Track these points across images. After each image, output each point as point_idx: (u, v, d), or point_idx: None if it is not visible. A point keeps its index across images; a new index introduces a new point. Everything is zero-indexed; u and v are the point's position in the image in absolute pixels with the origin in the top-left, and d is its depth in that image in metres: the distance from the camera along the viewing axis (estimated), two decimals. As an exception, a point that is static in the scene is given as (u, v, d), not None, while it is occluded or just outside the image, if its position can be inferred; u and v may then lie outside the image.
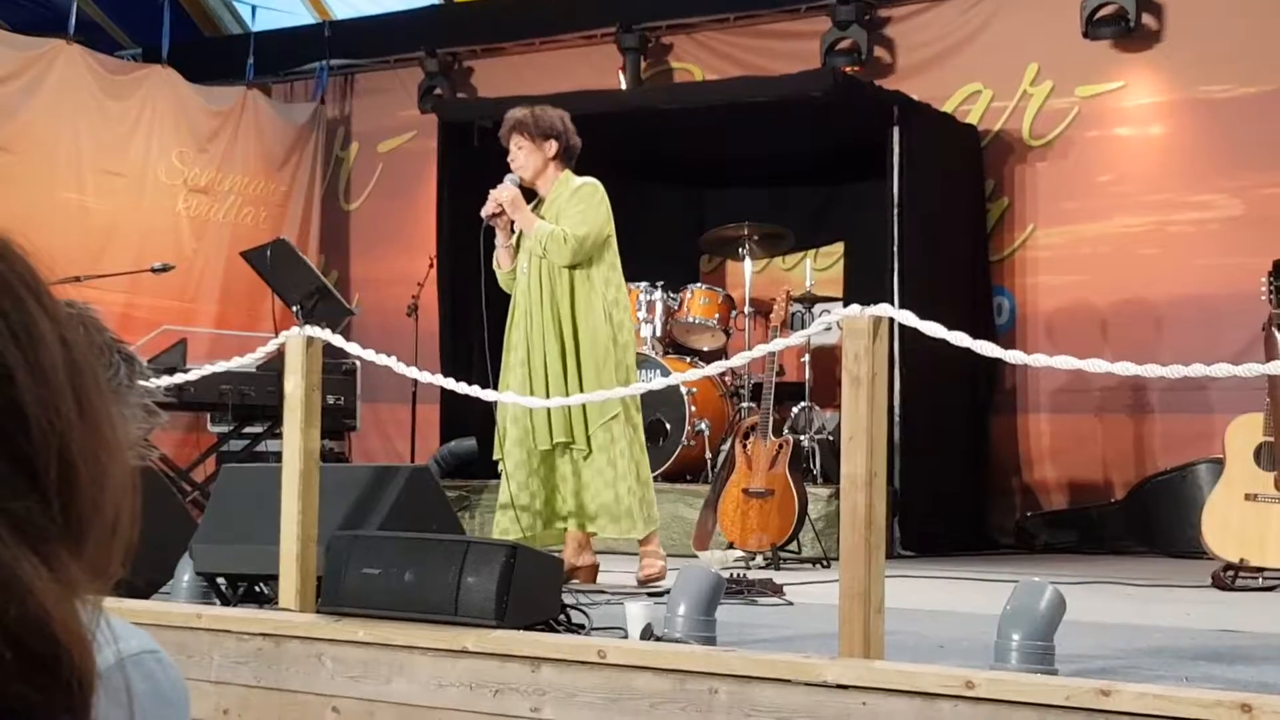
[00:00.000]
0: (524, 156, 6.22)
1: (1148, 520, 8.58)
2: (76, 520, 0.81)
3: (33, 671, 0.76)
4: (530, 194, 6.27)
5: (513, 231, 6.27)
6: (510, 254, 6.29)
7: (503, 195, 6.16)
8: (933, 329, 4.05)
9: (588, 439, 6.05)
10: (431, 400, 9.61)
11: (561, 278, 6.14)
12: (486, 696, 4.23)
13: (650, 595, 5.43)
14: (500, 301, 6.42)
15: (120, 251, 10.27)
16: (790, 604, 5.56)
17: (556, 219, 6.12)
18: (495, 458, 6.27)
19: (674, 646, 4.05)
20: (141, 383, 2.04)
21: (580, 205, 6.12)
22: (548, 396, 5.96)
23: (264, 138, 11.52)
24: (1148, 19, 9.01)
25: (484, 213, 6.23)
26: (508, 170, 6.27)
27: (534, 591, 4.38)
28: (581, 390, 5.98)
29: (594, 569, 6.24)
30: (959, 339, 4.05)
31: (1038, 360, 4.10)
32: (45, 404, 0.80)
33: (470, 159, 9.79)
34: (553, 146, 6.21)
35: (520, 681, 4.18)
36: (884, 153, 8.56)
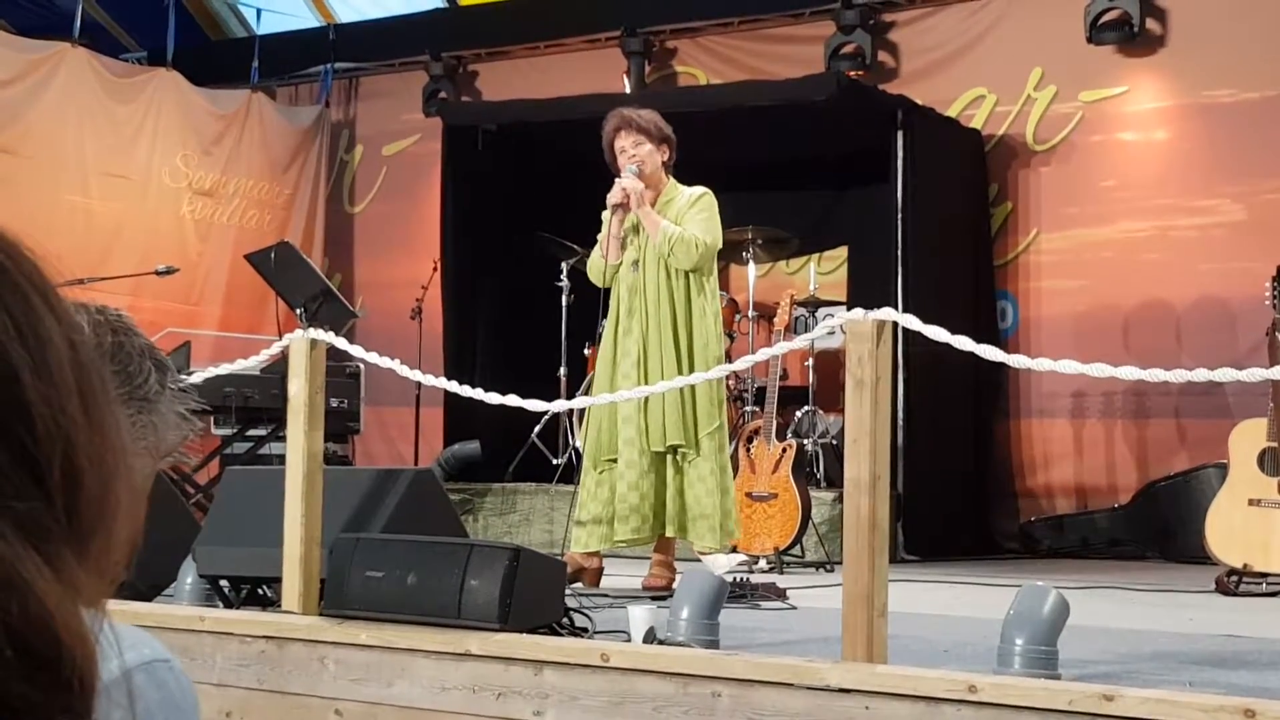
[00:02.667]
0: (645, 155, 6.13)
1: (1151, 525, 8.57)
2: (80, 521, 0.81)
3: (34, 671, 0.76)
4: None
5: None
6: (620, 246, 6.15)
7: (632, 186, 6.05)
8: (936, 333, 4.05)
9: (697, 443, 6.01)
10: (435, 403, 9.62)
11: (679, 283, 6.05)
12: (489, 700, 4.23)
13: (653, 599, 5.43)
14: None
15: (125, 254, 10.27)
16: (793, 608, 5.55)
17: (676, 223, 6.06)
18: (590, 462, 6.17)
19: (677, 650, 4.05)
20: (175, 389, 2.03)
21: (704, 213, 6.08)
22: (663, 399, 5.88)
23: (268, 141, 11.53)
24: (1151, 24, 9.01)
25: (611, 199, 6.10)
26: (616, 175, 6.16)
27: (537, 595, 4.38)
28: (695, 397, 5.93)
29: (598, 572, 6.23)
30: (962, 343, 4.05)
31: (1041, 364, 4.10)
32: (51, 404, 0.80)
33: (474, 162, 9.80)
34: (667, 151, 6.19)
35: (523, 685, 4.18)
36: (888, 157, 8.57)
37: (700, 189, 6.19)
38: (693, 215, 6.08)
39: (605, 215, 6.18)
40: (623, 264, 6.15)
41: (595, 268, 6.26)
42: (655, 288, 6.06)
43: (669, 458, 6.05)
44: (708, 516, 6.00)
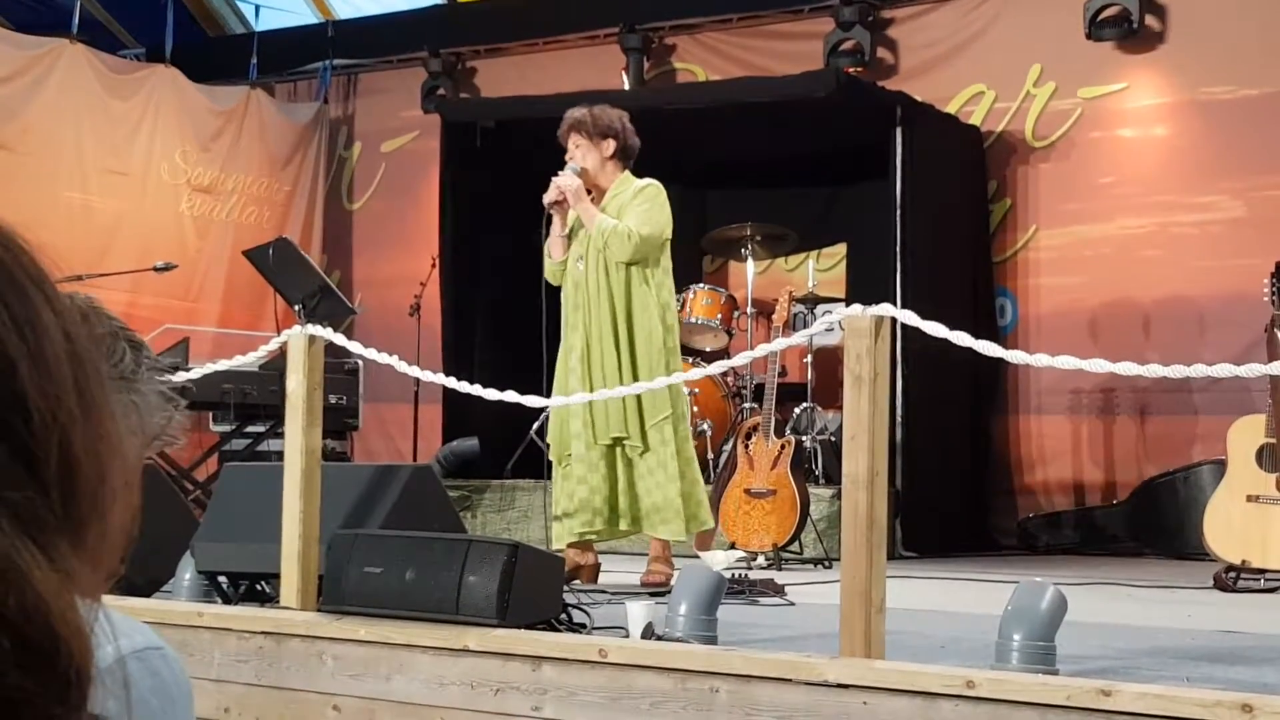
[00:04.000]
0: (581, 154, 6.19)
1: (1150, 521, 8.58)
2: (76, 513, 0.81)
3: (30, 661, 0.76)
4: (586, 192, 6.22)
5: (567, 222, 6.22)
6: (564, 245, 6.22)
7: (566, 183, 6.12)
8: (935, 329, 4.05)
9: (643, 435, 6.03)
10: (434, 400, 9.62)
11: (619, 276, 6.09)
12: (487, 695, 4.23)
13: (651, 595, 5.44)
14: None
15: (123, 250, 10.28)
16: (791, 604, 5.56)
17: (619, 216, 6.10)
18: (552, 457, 6.22)
19: (675, 646, 4.06)
20: (154, 371, 2.03)
21: (645, 204, 6.11)
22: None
23: (267, 137, 11.53)
24: (1151, 21, 9.01)
25: (546, 199, 6.17)
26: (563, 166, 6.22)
27: (535, 591, 4.38)
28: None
29: (596, 569, 6.23)
30: (961, 339, 4.05)
31: (1040, 360, 4.10)
32: (48, 396, 0.81)
33: (473, 159, 9.80)
34: (610, 145, 6.20)
35: (521, 680, 4.18)
36: (887, 154, 8.56)
37: (647, 181, 6.21)
38: (633, 207, 6.11)
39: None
40: (569, 260, 6.20)
41: (550, 272, 6.33)
42: (596, 282, 6.10)
43: (618, 451, 6.08)
44: (660, 508, 6.02)
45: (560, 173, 6.18)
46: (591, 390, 5.95)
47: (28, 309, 0.82)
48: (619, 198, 6.17)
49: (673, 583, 5.94)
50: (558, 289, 6.32)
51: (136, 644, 1.17)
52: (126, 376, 1.89)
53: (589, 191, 6.18)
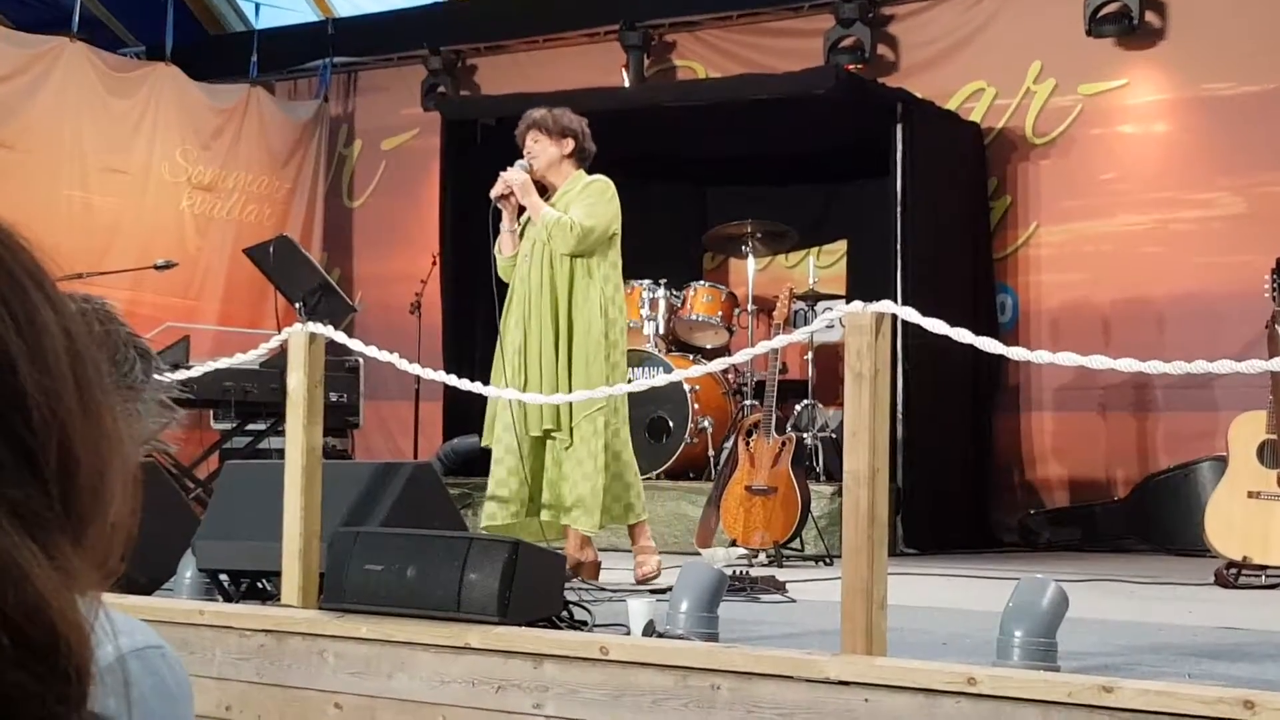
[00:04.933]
0: (538, 150, 6.27)
1: (1151, 518, 8.57)
2: (76, 510, 0.81)
3: (30, 659, 0.76)
4: (541, 190, 6.28)
5: (518, 219, 6.29)
6: (514, 240, 6.31)
7: (513, 178, 6.20)
8: (935, 325, 4.05)
9: (570, 429, 6.08)
10: (434, 398, 9.62)
11: (562, 268, 6.16)
12: (489, 693, 4.23)
13: (652, 592, 5.44)
14: (498, 295, 6.44)
15: (124, 249, 10.27)
16: (793, 601, 5.56)
17: (565, 210, 6.16)
18: (484, 444, 6.29)
19: (676, 643, 4.06)
20: (158, 378, 2.03)
21: (590, 199, 6.18)
22: (540, 384, 6.01)
23: (267, 135, 11.53)
24: (1151, 17, 9.00)
25: (493, 193, 6.26)
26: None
27: (536, 588, 4.38)
28: (570, 380, 6.01)
29: (596, 566, 6.24)
30: (961, 335, 4.05)
31: (1040, 357, 4.10)
32: (47, 392, 0.80)
33: (473, 157, 9.79)
34: (569, 144, 6.27)
35: (523, 678, 4.18)
36: (887, 150, 8.56)
37: (595, 177, 6.29)
38: (580, 200, 6.17)
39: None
40: (517, 258, 6.27)
41: (502, 269, 6.40)
42: (539, 275, 6.16)
43: (548, 445, 6.13)
44: (583, 500, 6.06)
45: (508, 168, 6.22)
46: (525, 385, 6.03)
47: (27, 307, 0.82)
48: (568, 194, 6.24)
49: (661, 567, 6.01)
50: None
51: (137, 642, 1.17)
52: (135, 386, 1.89)
53: (543, 191, 6.25)
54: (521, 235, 6.30)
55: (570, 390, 5.98)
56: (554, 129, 6.26)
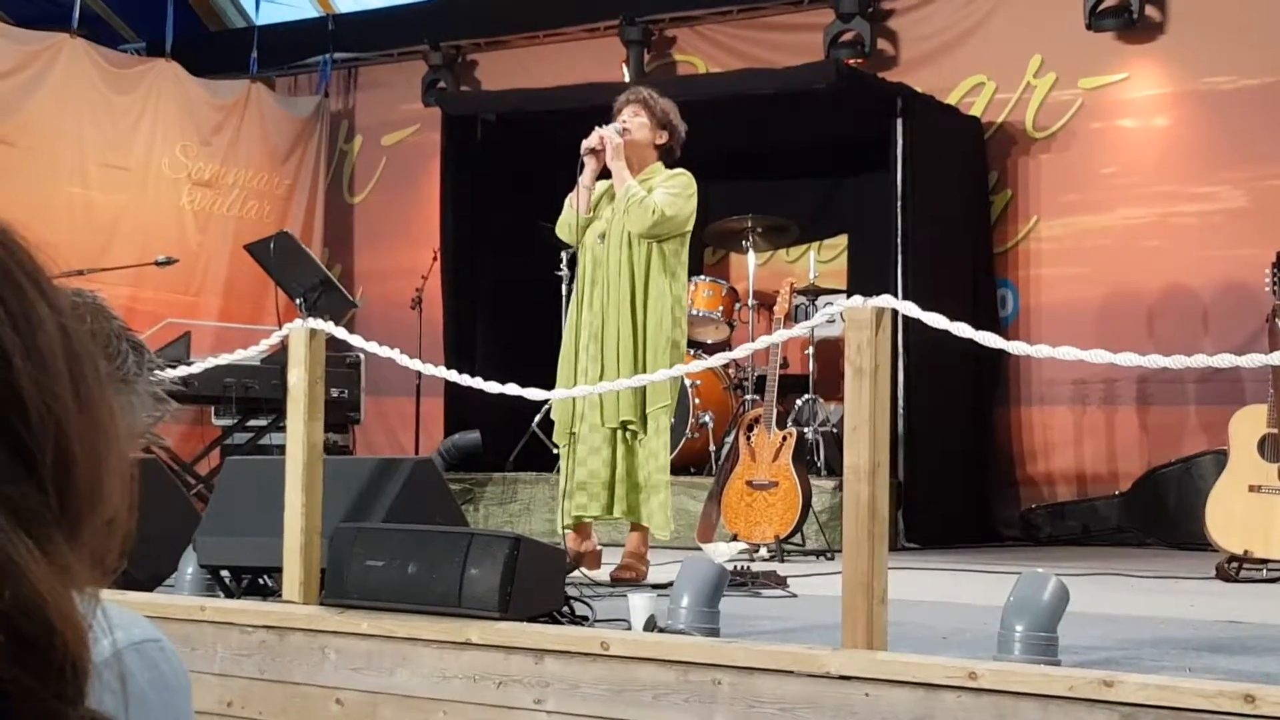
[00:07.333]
0: (636, 125, 6.11)
1: (1152, 512, 8.57)
2: (73, 507, 0.81)
3: (27, 656, 0.76)
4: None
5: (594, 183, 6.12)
6: (589, 198, 6.10)
7: (610, 134, 6.02)
8: (935, 320, 4.05)
9: (644, 420, 5.99)
10: (435, 393, 9.62)
11: (640, 258, 6.01)
12: (490, 688, 4.24)
13: (654, 587, 5.44)
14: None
15: (124, 245, 10.28)
16: (794, 595, 5.56)
17: (648, 193, 6.00)
18: (560, 443, 6.18)
19: (677, 638, 4.06)
20: (151, 371, 2.04)
21: (676, 189, 6.02)
22: (618, 373, 5.84)
23: (268, 131, 11.53)
24: (1151, 10, 9.00)
25: (585, 144, 6.04)
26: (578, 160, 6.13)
27: (537, 583, 4.38)
28: (648, 373, 5.83)
29: (597, 555, 6.22)
30: (962, 330, 4.05)
31: (1040, 351, 4.10)
32: (43, 389, 0.80)
33: (474, 152, 9.79)
34: (664, 136, 6.14)
35: (524, 673, 4.18)
36: (887, 145, 8.56)
37: (681, 170, 6.15)
38: (664, 186, 6.03)
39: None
40: (589, 234, 6.11)
41: (565, 223, 6.22)
42: (618, 261, 6.02)
43: (620, 434, 6.03)
44: (659, 492, 5.98)
45: (605, 125, 6.10)
46: (603, 370, 5.91)
47: (23, 304, 0.82)
48: (649, 181, 6.07)
49: (643, 580, 5.91)
50: (552, 242, 6.20)
51: (134, 637, 1.17)
52: (128, 379, 1.89)
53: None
54: (594, 210, 6.13)
55: (646, 385, 5.82)
56: (658, 116, 6.13)
